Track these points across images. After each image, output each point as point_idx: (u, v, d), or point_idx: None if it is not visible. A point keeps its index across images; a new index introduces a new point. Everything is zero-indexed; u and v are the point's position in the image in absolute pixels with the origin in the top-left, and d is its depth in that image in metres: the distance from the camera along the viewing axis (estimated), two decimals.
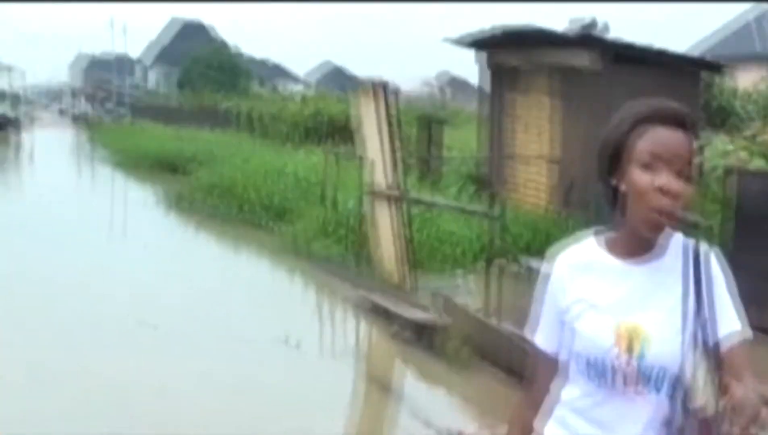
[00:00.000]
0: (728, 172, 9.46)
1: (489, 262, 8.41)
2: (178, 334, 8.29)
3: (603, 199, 1.93)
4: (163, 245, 13.90)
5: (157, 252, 13.18)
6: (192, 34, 77.77)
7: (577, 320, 1.90)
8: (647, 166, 1.79)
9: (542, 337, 2.00)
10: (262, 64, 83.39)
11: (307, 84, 68.21)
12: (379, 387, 7.53)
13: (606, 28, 13.58)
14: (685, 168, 1.79)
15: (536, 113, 14.35)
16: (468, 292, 9.56)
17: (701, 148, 12.12)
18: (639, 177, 1.80)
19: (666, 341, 1.81)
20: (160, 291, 10.35)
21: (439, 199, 11.95)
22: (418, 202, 10.81)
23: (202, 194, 17.07)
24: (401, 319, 8.37)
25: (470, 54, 15.96)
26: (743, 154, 11.45)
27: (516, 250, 10.53)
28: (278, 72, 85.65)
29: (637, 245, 1.88)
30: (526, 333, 2.05)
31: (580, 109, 13.06)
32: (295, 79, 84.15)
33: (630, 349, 1.82)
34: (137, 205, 18.99)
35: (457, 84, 71.96)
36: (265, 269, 12.41)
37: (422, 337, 8.07)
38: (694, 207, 1.87)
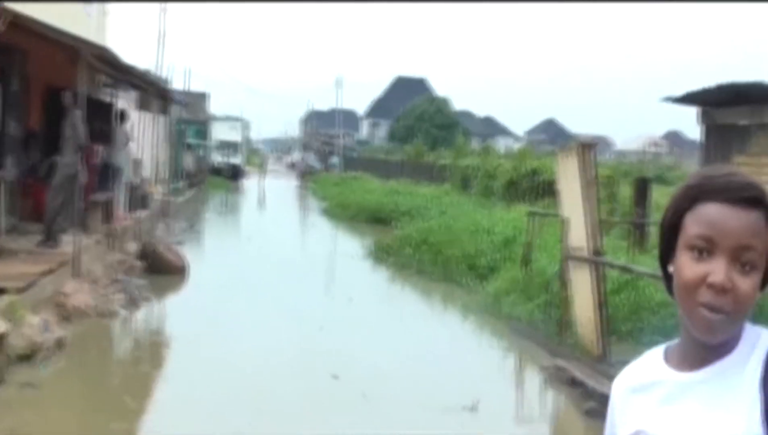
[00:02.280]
0: None
1: None
2: (364, 393, 8.19)
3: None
4: (362, 298, 14.03)
5: (355, 304, 13.31)
6: (410, 89, 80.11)
7: None
8: (699, 252, 1.42)
9: None
10: (481, 120, 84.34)
11: (525, 142, 67.90)
12: None
13: None
14: (748, 255, 1.40)
15: (765, 177, 13.26)
16: None
17: None
18: (686, 265, 1.43)
19: None
20: (352, 346, 10.38)
21: (635, 265, 11.22)
22: (613, 266, 10.22)
23: (407, 249, 17.21)
24: (597, 393, 7.83)
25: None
26: None
27: None
28: (497, 129, 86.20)
29: (699, 351, 1.49)
30: None
31: None
32: (514, 136, 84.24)
33: None
34: (343, 257, 19.57)
35: (687, 144, 69.58)
36: (461, 329, 12.19)
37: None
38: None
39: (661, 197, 19.56)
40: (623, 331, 10.52)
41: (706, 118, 14.88)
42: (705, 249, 1.42)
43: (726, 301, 1.40)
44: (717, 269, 1.40)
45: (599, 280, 9.30)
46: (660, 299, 10.97)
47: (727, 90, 13.27)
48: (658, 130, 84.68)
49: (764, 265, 1.44)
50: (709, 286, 1.40)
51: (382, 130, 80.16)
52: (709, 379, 1.47)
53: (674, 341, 1.57)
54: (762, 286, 1.46)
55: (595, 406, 7.76)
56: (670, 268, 1.50)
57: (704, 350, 1.48)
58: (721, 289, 1.39)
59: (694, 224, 1.44)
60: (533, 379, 9.49)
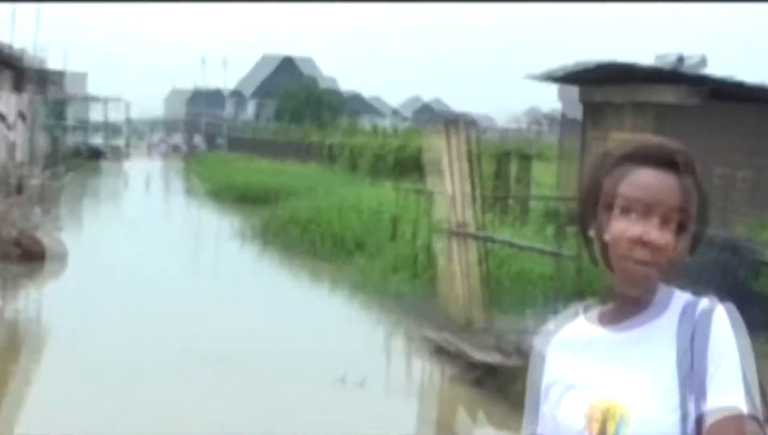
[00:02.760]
0: None
1: (567, 302, 7.91)
2: (242, 371, 8.16)
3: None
4: (236, 277, 13.92)
5: (229, 284, 13.17)
6: (297, 69, 79.72)
7: (550, 406, 1.63)
8: (625, 212, 1.52)
9: (529, 421, 1.71)
10: (353, 98, 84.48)
11: (397, 118, 68.64)
12: (441, 431, 7.21)
13: (703, 62, 12.98)
14: (672, 214, 1.52)
15: None
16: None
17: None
18: (618, 225, 1.52)
19: (650, 420, 1.50)
20: (226, 325, 10.25)
21: (508, 237, 11.56)
22: (487, 239, 10.51)
23: (280, 228, 17.18)
24: (469, 360, 8.04)
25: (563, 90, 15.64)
26: None
27: (597, 292, 10.19)
28: (368, 106, 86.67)
29: (624, 308, 1.58)
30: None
31: None
32: (385, 113, 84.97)
33: (603, 432, 1.53)
34: (217, 237, 19.40)
35: (553, 120, 71.85)
36: (334, 305, 12.30)
37: (491, 380, 7.74)
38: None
39: (540, 176, 20.08)
40: (502, 302, 10.82)
41: (584, 96, 15.41)
42: (637, 210, 1.51)
43: (654, 255, 1.49)
44: (649, 227, 1.49)
45: (477, 253, 9.52)
46: (539, 272, 11.33)
47: (605, 69, 13.77)
48: (520, 107, 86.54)
49: (691, 228, 1.54)
50: (636, 242, 1.49)
51: (269, 110, 79.40)
52: (626, 333, 1.57)
53: (592, 301, 1.67)
54: (691, 250, 1.57)
55: (477, 375, 7.96)
56: (590, 233, 1.59)
57: (623, 306, 1.58)
58: (647, 244, 1.49)
59: (625, 187, 1.53)
60: (414, 351, 9.65)
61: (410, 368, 9.26)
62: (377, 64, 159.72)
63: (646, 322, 1.57)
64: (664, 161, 1.54)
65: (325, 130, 36.74)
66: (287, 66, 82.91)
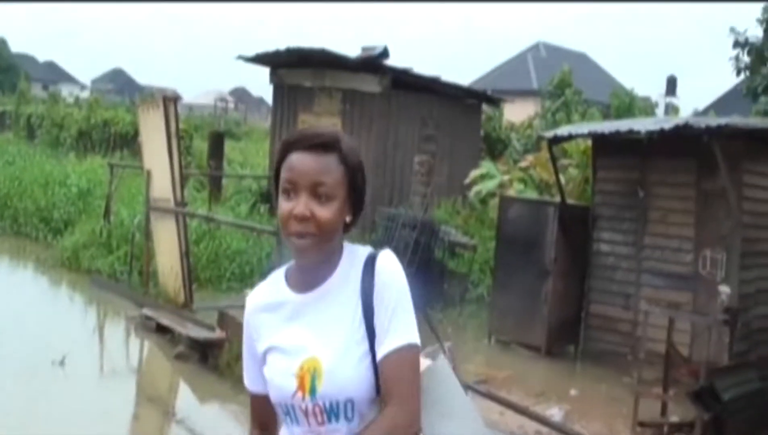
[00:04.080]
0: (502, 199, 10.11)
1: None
2: None
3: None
4: None
5: None
6: None
7: (267, 368, 1.83)
8: (287, 193, 1.77)
9: (249, 380, 1.92)
10: (42, 65, 78.97)
11: (92, 90, 65.06)
12: (158, 409, 7.33)
13: (385, 53, 14.08)
14: (322, 189, 1.75)
15: None
16: None
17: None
18: (280, 205, 1.78)
19: (340, 370, 1.73)
20: None
21: (216, 215, 11.85)
22: (195, 216, 10.72)
23: None
24: (184, 338, 8.23)
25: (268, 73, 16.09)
26: (518, 185, 12.18)
27: None
28: (61, 76, 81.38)
29: (308, 273, 1.82)
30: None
31: (362, 130, 13.68)
32: (80, 84, 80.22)
33: (307, 388, 1.74)
34: None
35: (253, 101, 72.40)
36: (41, 286, 11.70)
37: (207, 357, 7.98)
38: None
39: (231, 151, 20.52)
40: (203, 278, 11.04)
41: (275, 78, 15.93)
42: (291, 189, 1.76)
43: (307, 227, 1.73)
44: (298, 203, 1.74)
45: (182, 230, 9.67)
46: (236, 247, 11.69)
47: (295, 53, 14.40)
48: (226, 86, 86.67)
49: (344, 195, 1.77)
50: (293, 218, 1.72)
51: None
52: (321, 297, 1.79)
53: (292, 263, 1.86)
54: (356, 213, 1.81)
55: (183, 350, 8.16)
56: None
57: (312, 272, 1.80)
58: (302, 218, 1.73)
59: (283, 171, 1.78)
60: (120, 329, 9.55)
61: (128, 348, 9.11)
62: (50, 27, 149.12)
63: (332, 282, 1.78)
64: (313, 145, 1.76)
65: (17, 98, 33.48)
66: None
